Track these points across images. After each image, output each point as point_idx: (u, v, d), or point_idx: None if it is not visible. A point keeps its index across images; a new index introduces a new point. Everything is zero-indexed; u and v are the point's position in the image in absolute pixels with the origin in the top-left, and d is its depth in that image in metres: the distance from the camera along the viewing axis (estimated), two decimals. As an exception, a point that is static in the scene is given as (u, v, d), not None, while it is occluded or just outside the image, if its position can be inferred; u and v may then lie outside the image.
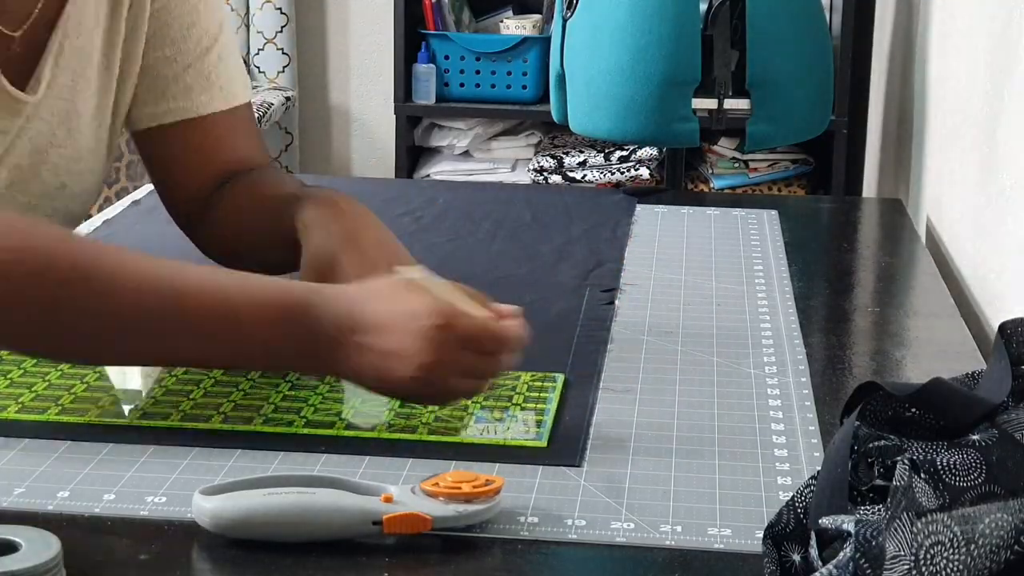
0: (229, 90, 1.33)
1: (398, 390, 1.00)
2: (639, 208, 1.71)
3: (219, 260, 1.29)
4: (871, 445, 0.72)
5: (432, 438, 1.01)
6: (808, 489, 0.75)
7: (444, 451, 0.99)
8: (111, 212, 1.65)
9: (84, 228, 1.59)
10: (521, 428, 1.03)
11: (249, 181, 1.31)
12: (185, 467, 0.96)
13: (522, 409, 1.07)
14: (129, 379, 1.14)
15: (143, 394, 1.10)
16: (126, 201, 1.71)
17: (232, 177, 1.32)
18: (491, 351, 0.99)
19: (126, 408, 1.07)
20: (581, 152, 3.31)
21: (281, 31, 3.61)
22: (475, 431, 1.03)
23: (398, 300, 0.99)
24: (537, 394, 1.10)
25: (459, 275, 1.40)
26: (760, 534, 0.77)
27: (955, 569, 0.66)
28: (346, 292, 1.01)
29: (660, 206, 1.73)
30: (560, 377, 1.13)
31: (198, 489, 0.87)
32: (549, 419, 1.05)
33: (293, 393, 1.09)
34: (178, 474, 0.95)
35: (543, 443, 1.01)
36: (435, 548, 0.86)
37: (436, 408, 1.05)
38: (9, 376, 1.11)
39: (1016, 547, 0.68)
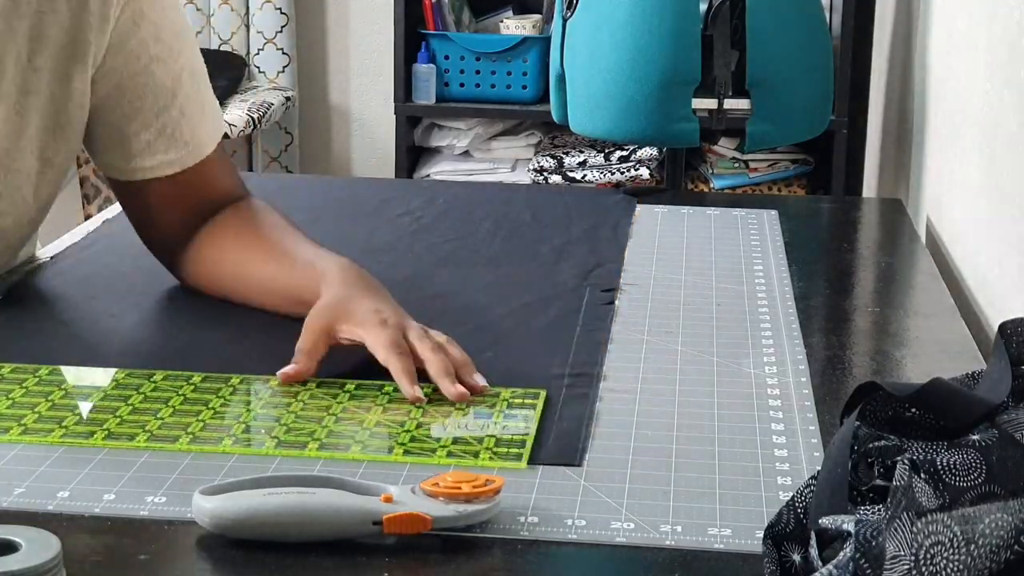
0: (194, 144, 1.34)
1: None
2: (639, 208, 1.71)
3: (204, 285, 1.34)
4: (871, 445, 0.72)
5: (409, 459, 0.97)
6: (808, 489, 0.75)
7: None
8: (110, 212, 1.65)
9: (87, 226, 1.59)
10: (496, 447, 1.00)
11: (228, 228, 1.34)
12: (185, 467, 0.96)
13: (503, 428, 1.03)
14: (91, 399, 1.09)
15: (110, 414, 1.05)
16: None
17: (208, 218, 1.35)
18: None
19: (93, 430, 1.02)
20: (581, 152, 3.31)
21: (281, 31, 3.62)
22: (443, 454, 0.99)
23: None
24: (519, 411, 1.06)
25: (460, 275, 1.42)
26: (760, 534, 0.77)
27: (955, 569, 0.66)
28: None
29: (660, 206, 1.73)
30: (542, 393, 1.09)
31: (198, 489, 0.87)
32: (529, 441, 1.00)
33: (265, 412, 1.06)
34: (178, 474, 0.95)
35: (522, 464, 0.97)
36: (435, 548, 0.86)
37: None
38: (11, 396, 1.08)
39: (1016, 547, 0.68)
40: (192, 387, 1.10)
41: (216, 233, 1.34)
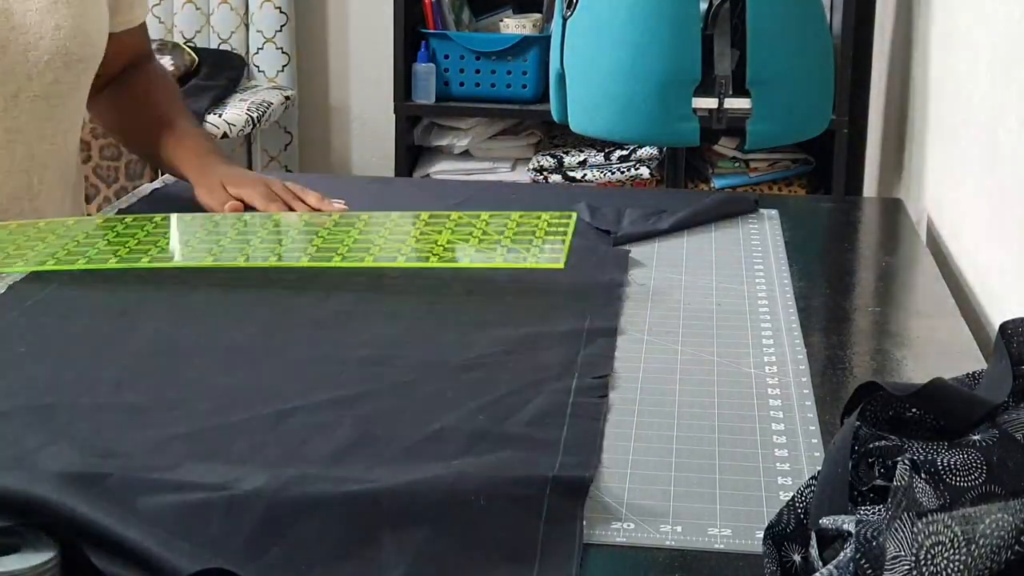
0: (136, 13, 1.75)
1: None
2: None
3: (104, 127, 1.85)
4: (872, 445, 0.72)
5: (459, 264, 1.33)
6: (808, 489, 0.75)
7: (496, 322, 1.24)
8: (118, 207, 1.65)
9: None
10: (541, 255, 1.33)
11: (124, 90, 1.77)
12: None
13: (543, 241, 1.37)
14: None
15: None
16: (133, 197, 1.71)
17: (124, 70, 1.77)
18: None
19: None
20: (581, 151, 3.31)
21: (280, 30, 3.61)
22: (500, 257, 1.34)
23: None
24: (556, 229, 1.39)
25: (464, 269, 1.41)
26: (760, 534, 0.77)
27: (956, 569, 0.66)
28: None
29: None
30: (574, 215, 1.43)
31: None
32: (565, 247, 1.34)
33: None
34: (177, 474, 0.95)
35: (561, 265, 1.30)
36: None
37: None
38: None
39: (1017, 547, 0.68)
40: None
41: (119, 93, 1.76)
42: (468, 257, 1.36)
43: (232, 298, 1.33)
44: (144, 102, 1.76)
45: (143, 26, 1.80)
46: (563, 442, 1.00)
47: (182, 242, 1.46)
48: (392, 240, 1.42)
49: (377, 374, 1.13)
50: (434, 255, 1.36)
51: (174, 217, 1.53)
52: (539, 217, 1.45)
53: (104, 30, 1.65)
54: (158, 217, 1.52)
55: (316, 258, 1.37)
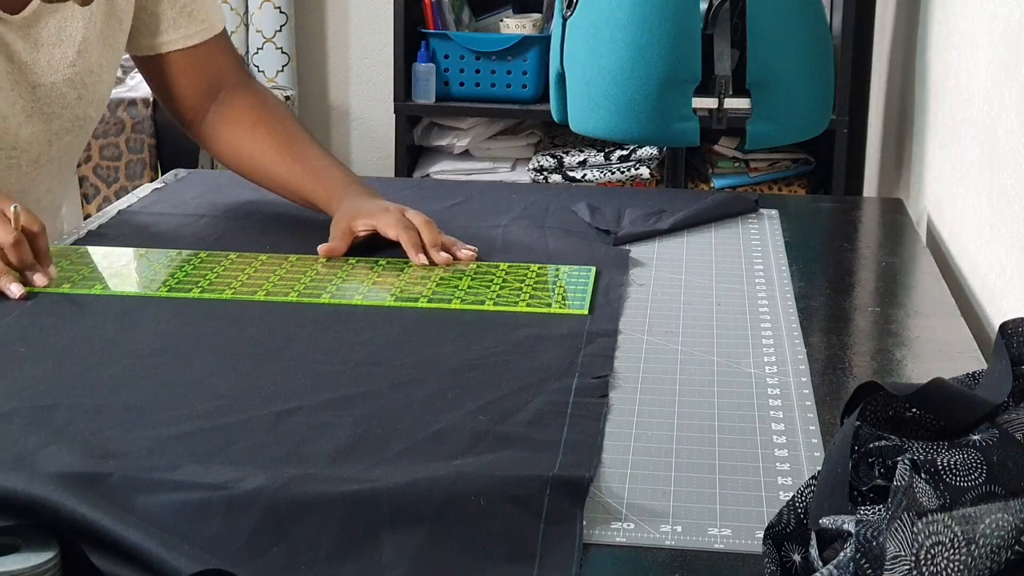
0: (208, 23, 1.67)
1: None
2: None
3: (222, 160, 1.71)
4: (872, 445, 0.72)
5: (478, 307, 1.30)
6: (808, 489, 0.75)
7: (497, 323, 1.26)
8: (118, 207, 1.65)
9: (102, 217, 1.59)
10: (564, 301, 1.33)
11: (243, 118, 1.67)
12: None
13: (564, 289, 1.37)
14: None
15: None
16: (133, 197, 1.71)
17: (220, 92, 1.69)
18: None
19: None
20: (581, 151, 3.31)
21: (280, 30, 3.61)
22: (523, 303, 1.32)
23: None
24: (575, 281, 1.39)
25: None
26: (760, 534, 0.77)
27: (956, 569, 0.66)
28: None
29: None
30: (592, 269, 1.42)
31: None
32: (588, 295, 1.34)
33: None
34: (177, 474, 0.95)
35: (585, 311, 1.30)
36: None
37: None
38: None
39: (1017, 547, 0.68)
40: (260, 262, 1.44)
41: (232, 119, 1.68)
42: (491, 301, 1.33)
43: (231, 301, 1.33)
44: (260, 133, 1.66)
45: (223, 37, 1.71)
46: (563, 442, 1.00)
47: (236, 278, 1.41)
48: (411, 283, 1.38)
49: (377, 374, 1.13)
50: (456, 298, 1.33)
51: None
52: (558, 269, 1.44)
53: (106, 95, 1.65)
54: (233, 255, 1.48)
55: (336, 296, 1.34)
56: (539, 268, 1.44)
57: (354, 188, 1.57)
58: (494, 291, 1.36)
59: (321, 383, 1.11)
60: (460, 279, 1.39)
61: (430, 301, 1.33)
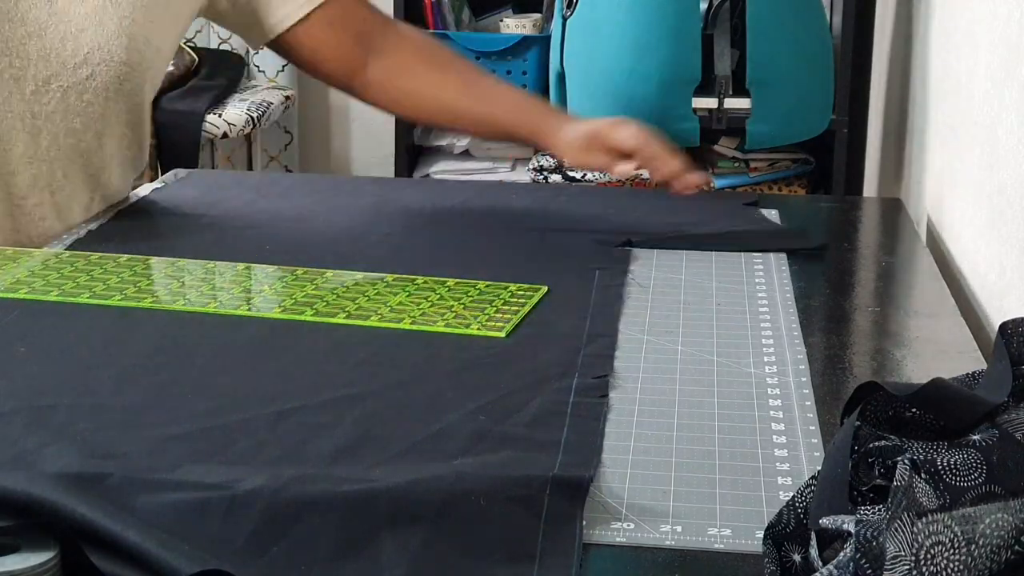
0: None
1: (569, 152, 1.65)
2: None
3: (400, 110, 1.77)
4: (871, 445, 0.72)
5: (395, 325, 1.23)
6: (808, 489, 0.75)
7: (408, 340, 1.20)
8: (130, 200, 1.65)
9: (101, 217, 1.59)
10: (488, 321, 1.24)
11: (410, 55, 1.69)
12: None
13: (497, 311, 1.27)
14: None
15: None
16: (134, 196, 1.71)
17: (370, 43, 1.68)
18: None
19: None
20: (581, 151, 3.31)
21: (281, 30, 3.61)
22: (442, 324, 1.24)
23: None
24: (517, 299, 1.31)
25: (471, 252, 1.40)
26: (760, 534, 0.77)
27: (956, 569, 0.66)
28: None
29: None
30: (543, 288, 1.34)
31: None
32: (517, 318, 1.24)
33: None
34: (177, 474, 0.95)
35: (503, 335, 1.21)
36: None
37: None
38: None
39: (1017, 547, 0.68)
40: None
41: (401, 66, 1.68)
42: (411, 320, 1.25)
43: None
44: (436, 74, 1.68)
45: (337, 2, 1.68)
46: (563, 442, 1.00)
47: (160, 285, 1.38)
48: (342, 297, 1.32)
49: (376, 374, 1.13)
50: (377, 315, 1.27)
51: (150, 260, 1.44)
52: (506, 288, 1.34)
53: (165, 47, 1.61)
54: (123, 258, 1.44)
55: (288, 311, 1.28)
56: (485, 286, 1.35)
57: (555, 113, 1.65)
58: (423, 308, 1.28)
59: (321, 383, 1.11)
60: (395, 295, 1.32)
61: (349, 317, 1.25)
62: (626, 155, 1.63)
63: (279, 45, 1.69)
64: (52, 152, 1.55)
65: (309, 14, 1.65)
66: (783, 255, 1.52)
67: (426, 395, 1.09)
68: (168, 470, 0.93)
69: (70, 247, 1.50)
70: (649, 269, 1.46)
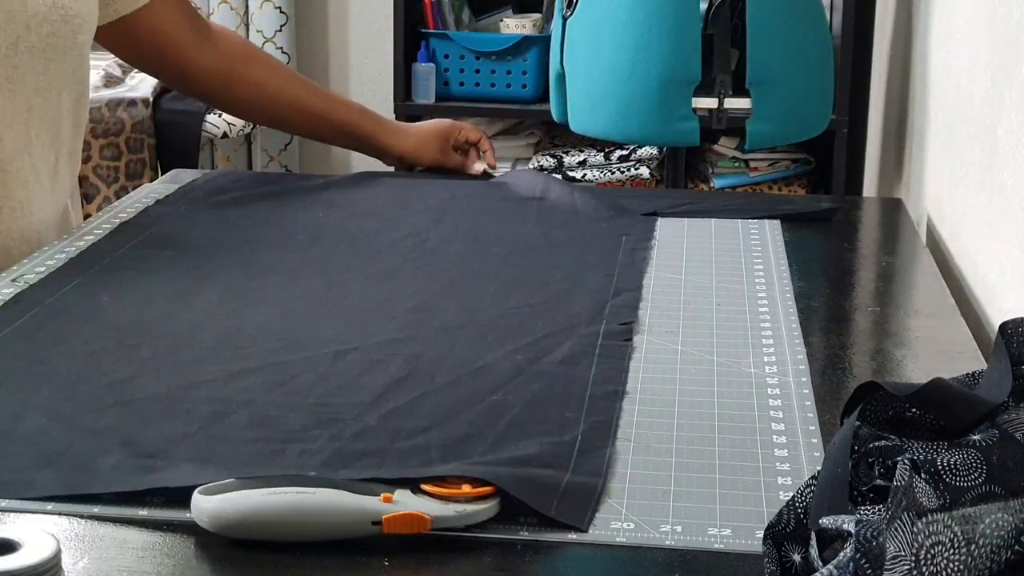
0: None
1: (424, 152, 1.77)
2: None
3: (239, 104, 1.75)
4: (871, 445, 0.72)
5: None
6: (808, 489, 0.75)
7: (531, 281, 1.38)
8: (130, 200, 1.65)
9: (101, 217, 1.59)
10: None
11: (250, 59, 1.71)
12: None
13: None
14: None
15: None
16: (136, 195, 1.71)
17: (200, 38, 1.68)
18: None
19: None
20: (581, 151, 3.31)
21: (280, 30, 3.61)
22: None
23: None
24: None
25: (479, 240, 1.42)
26: (760, 534, 0.77)
27: (955, 569, 0.66)
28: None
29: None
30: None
31: (197, 489, 0.87)
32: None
33: None
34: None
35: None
36: (434, 549, 0.86)
37: None
38: None
39: (1016, 547, 0.68)
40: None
41: (238, 58, 1.70)
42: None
43: (292, 257, 1.46)
44: (276, 69, 1.72)
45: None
46: (591, 379, 1.12)
47: None
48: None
49: (424, 321, 1.26)
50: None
51: None
52: None
53: None
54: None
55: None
56: None
57: (388, 119, 1.72)
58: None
59: (374, 328, 1.23)
60: None
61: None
62: (466, 151, 1.78)
63: (120, 27, 1.67)
64: (25, 114, 1.56)
65: (137, 9, 1.65)
66: (783, 255, 1.52)
67: (468, 338, 1.21)
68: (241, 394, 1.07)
69: (70, 244, 1.50)
70: (649, 269, 1.45)
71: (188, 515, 0.87)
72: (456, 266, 1.43)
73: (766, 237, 1.59)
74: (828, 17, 2.74)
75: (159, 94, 3.17)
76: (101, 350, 1.17)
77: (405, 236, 1.54)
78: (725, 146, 3.27)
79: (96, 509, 0.90)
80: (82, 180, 3.06)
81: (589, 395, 1.09)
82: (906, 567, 0.65)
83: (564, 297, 1.33)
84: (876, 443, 0.72)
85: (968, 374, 0.81)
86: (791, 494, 0.76)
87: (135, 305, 1.30)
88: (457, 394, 1.08)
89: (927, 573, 0.65)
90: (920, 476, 0.69)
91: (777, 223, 1.65)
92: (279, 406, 1.05)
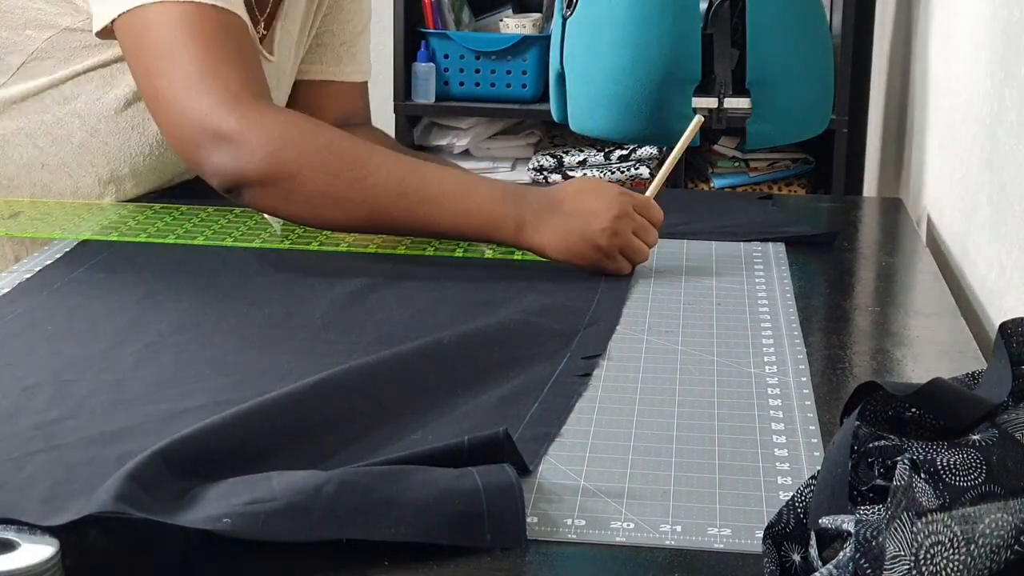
0: (364, 68, 1.81)
1: (588, 249, 1.38)
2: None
3: None
4: (871, 445, 0.72)
5: (455, 254, 1.46)
6: (808, 489, 0.75)
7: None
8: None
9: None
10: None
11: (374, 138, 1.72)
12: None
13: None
14: None
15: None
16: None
17: (352, 122, 1.75)
18: (654, 220, 1.42)
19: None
20: (581, 151, 3.31)
21: (281, 30, 3.61)
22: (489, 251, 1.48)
23: (586, 183, 1.44)
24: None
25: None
26: (760, 534, 0.77)
27: (955, 569, 0.66)
28: (545, 188, 1.45)
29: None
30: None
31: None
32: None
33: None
34: (177, 473, 0.95)
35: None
36: (435, 548, 0.86)
37: None
38: None
39: (1016, 547, 0.68)
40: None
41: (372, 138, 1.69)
42: (461, 250, 1.49)
43: (255, 280, 1.39)
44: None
45: (365, 87, 1.82)
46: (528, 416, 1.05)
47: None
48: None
49: (384, 349, 1.15)
50: (431, 246, 1.50)
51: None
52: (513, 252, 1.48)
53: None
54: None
55: (324, 243, 1.51)
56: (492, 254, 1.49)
57: (526, 200, 1.41)
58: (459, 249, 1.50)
59: (332, 361, 1.13)
60: (424, 249, 1.50)
61: (408, 249, 1.49)
62: None
63: (298, 88, 1.78)
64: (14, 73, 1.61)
65: (333, 80, 1.78)
66: (783, 255, 1.52)
67: (419, 373, 1.11)
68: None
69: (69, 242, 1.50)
70: (649, 269, 1.46)
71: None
72: (427, 291, 1.35)
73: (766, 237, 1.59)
74: (828, 17, 2.74)
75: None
76: (35, 386, 1.09)
77: (375, 259, 1.45)
78: (725, 146, 3.28)
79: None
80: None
81: (518, 437, 0.98)
82: (906, 567, 0.65)
83: (533, 322, 1.25)
84: (876, 443, 0.72)
85: (968, 374, 0.81)
86: (791, 494, 0.76)
87: (79, 335, 1.21)
88: (380, 434, 1.00)
89: (927, 573, 0.65)
90: (920, 476, 0.69)
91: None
92: (212, 454, 0.92)
